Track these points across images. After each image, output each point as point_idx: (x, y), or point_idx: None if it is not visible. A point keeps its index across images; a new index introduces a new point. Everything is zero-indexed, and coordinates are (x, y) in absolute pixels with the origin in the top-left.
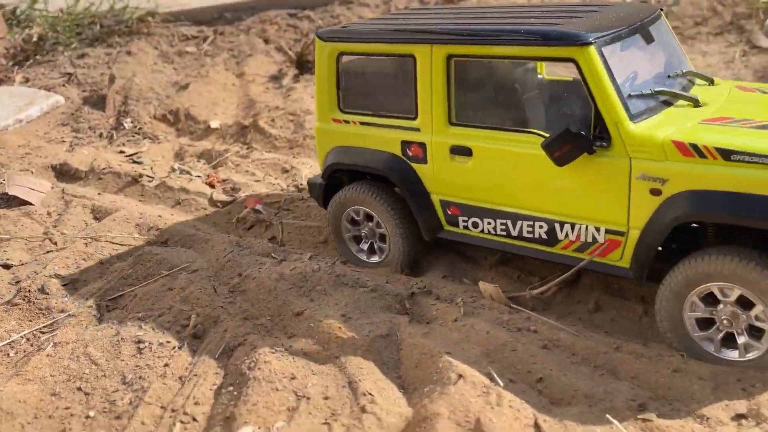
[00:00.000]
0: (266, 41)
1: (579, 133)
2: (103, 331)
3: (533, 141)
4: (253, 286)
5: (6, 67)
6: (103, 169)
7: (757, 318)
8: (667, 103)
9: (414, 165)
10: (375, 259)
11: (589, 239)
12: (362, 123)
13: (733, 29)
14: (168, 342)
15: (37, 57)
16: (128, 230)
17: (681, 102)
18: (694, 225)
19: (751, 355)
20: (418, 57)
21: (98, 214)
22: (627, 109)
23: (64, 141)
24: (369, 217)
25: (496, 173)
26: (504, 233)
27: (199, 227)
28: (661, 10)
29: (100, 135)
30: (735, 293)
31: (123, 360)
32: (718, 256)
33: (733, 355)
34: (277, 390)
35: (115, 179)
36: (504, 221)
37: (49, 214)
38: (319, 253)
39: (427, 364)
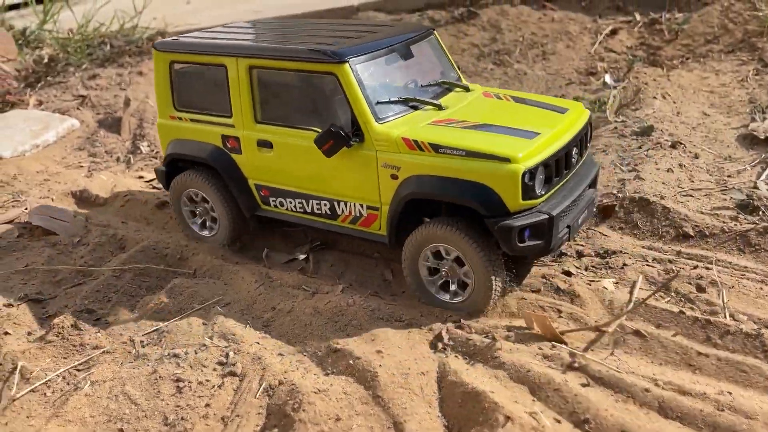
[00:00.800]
0: None
1: (339, 131)
2: (139, 369)
3: (312, 136)
4: (288, 320)
5: (18, 89)
6: (125, 195)
7: (465, 274)
8: (415, 108)
9: (233, 155)
10: (206, 233)
11: (358, 213)
12: (192, 120)
13: (745, 47)
14: (207, 380)
15: (49, 78)
16: (155, 261)
17: (428, 107)
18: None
19: (456, 300)
20: (229, 67)
21: (124, 244)
22: (374, 113)
23: (81, 166)
24: (203, 198)
25: (291, 162)
26: (302, 210)
27: (226, 257)
28: (433, 30)
29: (117, 159)
30: (453, 253)
31: (163, 399)
32: (436, 224)
33: (445, 297)
34: None
35: (138, 206)
36: (301, 201)
37: (74, 244)
38: (350, 285)
39: (472, 403)
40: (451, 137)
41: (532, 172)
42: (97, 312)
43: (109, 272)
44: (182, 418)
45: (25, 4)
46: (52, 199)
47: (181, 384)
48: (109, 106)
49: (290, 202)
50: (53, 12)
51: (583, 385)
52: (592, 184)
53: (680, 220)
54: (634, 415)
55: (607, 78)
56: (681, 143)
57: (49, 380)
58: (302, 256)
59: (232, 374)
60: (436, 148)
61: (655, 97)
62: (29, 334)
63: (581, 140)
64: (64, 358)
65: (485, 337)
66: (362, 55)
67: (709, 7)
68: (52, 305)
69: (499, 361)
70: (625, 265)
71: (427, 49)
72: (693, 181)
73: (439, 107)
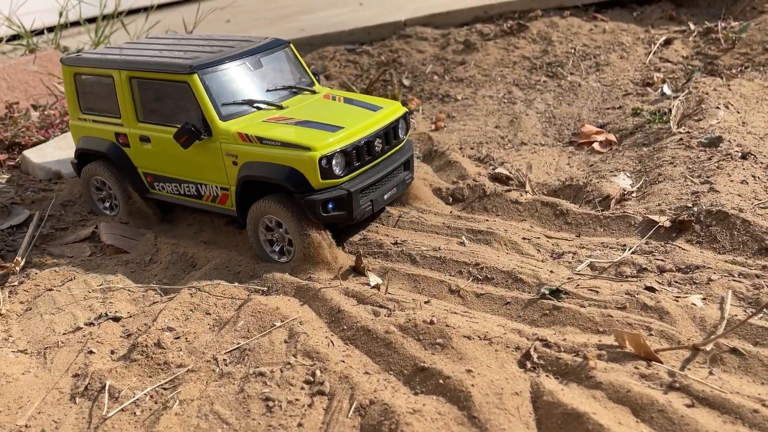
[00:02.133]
0: (327, 77)
1: (191, 128)
2: (226, 388)
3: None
4: (369, 338)
5: None
6: (192, 213)
7: (290, 241)
8: (259, 108)
9: (124, 149)
10: (108, 212)
11: (215, 194)
12: (93, 120)
13: None
14: (297, 399)
15: None
16: (229, 278)
17: (270, 107)
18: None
19: (285, 259)
20: (115, 77)
21: (195, 261)
22: (219, 113)
23: None
24: (104, 184)
25: (164, 154)
26: (177, 193)
27: (299, 275)
28: (288, 43)
29: None
30: (280, 223)
31: (254, 419)
32: (266, 201)
33: (281, 258)
34: None
35: (205, 223)
36: (175, 184)
37: (146, 262)
38: (429, 301)
39: (573, 425)
40: (273, 131)
41: (328, 158)
42: (177, 330)
43: (185, 291)
44: None
45: (78, 24)
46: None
47: (270, 403)
48: None
49: (168, 186)
50: (106, 33)
51: (688, 406)
52: (406, 168)
53: (762, 233)
54: None
55: (665, 88)
56: (751, 154)
57: (137, 399)
58: (374, 282)
59: (321, 393)
60: (261, 140)
61: (718, 107)
62: (113, 352)
63: (387, 133)
64: (150, 376)
65: (575, 355)
66: (210, 66)
67: (766, 15)
68: (132, 324)
69: (595, 380)
70: (710, 280)
71: (280, 60)
72: None
73: (279, 107)
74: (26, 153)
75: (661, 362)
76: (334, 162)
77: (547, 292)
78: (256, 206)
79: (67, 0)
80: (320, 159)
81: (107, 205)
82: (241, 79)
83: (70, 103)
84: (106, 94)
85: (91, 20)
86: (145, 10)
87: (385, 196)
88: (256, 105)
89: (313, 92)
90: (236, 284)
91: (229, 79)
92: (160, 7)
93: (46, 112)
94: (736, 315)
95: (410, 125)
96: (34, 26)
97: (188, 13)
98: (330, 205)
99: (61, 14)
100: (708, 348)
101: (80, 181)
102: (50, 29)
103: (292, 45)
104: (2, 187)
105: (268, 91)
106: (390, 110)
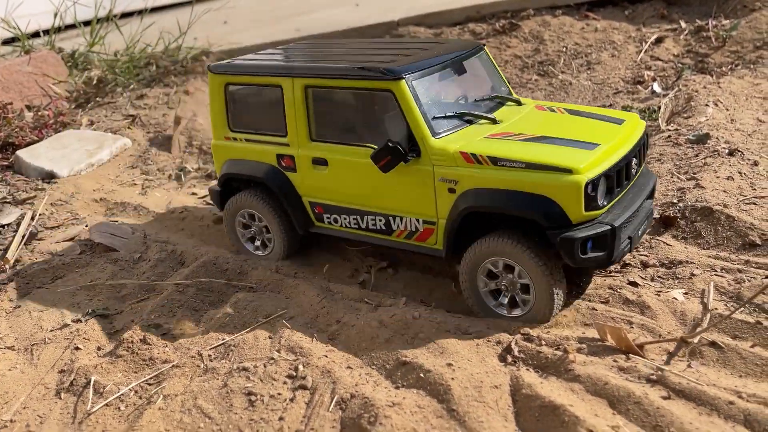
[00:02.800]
0: None
1: (396, 147)
2: (210, 383)
3: (368, 153)
4: (354, 333)
5: (70, 110)
6: (181, 212)
7: (525, 288)
8: (470, 122)
9: (287, 173)
10: (261, 252)
11: (413, 228)
12: (247, 140)
13: None
14: (279, 394)
15: (98, 99)
16: (216, 276)
17: (482, 120)
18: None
19: (516, 313)
20: (284, 87)
21: (184, 259)
22: (431, 128)
23: (135, 184)
24: (258, 218)
25: (346, 179)
26: (356, 226)
27: (285, 272)
28: (483, 46)
29: (169, 176)
30: (513, 267)
31: (236, 413)
32: (495, 238)
33: (504, 311)
34: None
35: (194, 222)
36: (355, 217)
37: (135, 260)
38: (412, 298)
39: (550, 417)
40: (510, 150)
41: (594, 183)
42: (164, 326)
43: (172, 287)
44: None
45: (74, 27)
46: (118, 220)
47: (253, 397)
48: (158, 125)
49: (344, 219)
50: (101, 34)
51: (664, 398)
52: (650, 196)
53: (746, 228)
54: (720, 429)
55: (656, 86)
56: (738, 151)
57: (122, 394)
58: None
59: (303, 387)
60: (495, 161)
61: (707, 105)
62: (99, 349)
63: (639, 151)
64: (135, 372)
65: (556, 349)
66: (417, 71)
67: (757, 13)
68: (119, 320)
69: (573, 373)
70: (693, 275)
71: (478, 65)
72: (755, 189)
73: (494, 121)
74: (19, 153)
75: (642, 356)
76: (599, 188)
77: None
78: (480, 246)
79: (63, 2)
80: (587, 184)
81: (258, 243)
82: (447, 88)
83: (216, 118)
84: (267, 108)
85: (87, 23)
86: (140, 12)
87: (640, 232)
88: (466, 119)
89: (518, 102)
90: (224, 281)
91: (436, 88)
92: (154, 9)
93: (40, 113)
94: (716, 309)
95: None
96: (30, 28)
97: (182, 16)
98: (589, 245)
99: (56, 15)
100: (695, 340)
101: (225, 215)
102: (46, 32)
103: (486, 48)
104: None
105: (475, 101)
106: (633, 123)
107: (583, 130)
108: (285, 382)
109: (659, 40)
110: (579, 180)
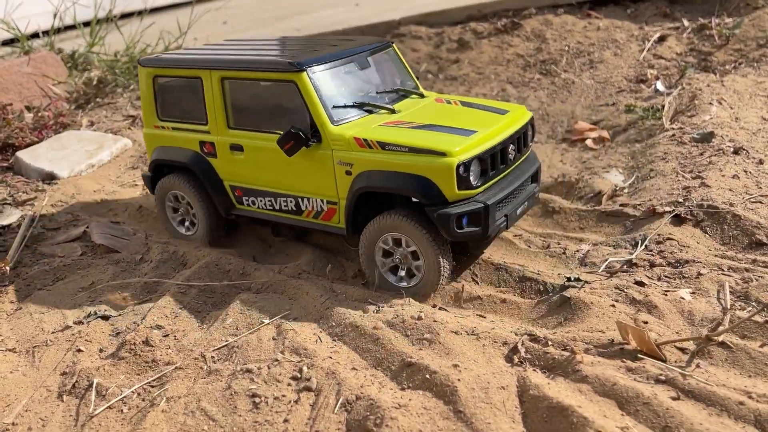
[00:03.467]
0: None
1: (298, 133)
2: (213, 385)
3: (275, 139)
4: (358, 334)
5: (70, 110)
6: None
7: (416, 261)
8: (370, 112)
9: (209, 159)
10: (189, 233)
11: (319, 208)
12: (174, 128)
13: None
14: (283, 396)
15: (98, 99)
16: (218, 277)
17: (381, 111)
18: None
19: (408, 284)
20: (203, 79)
21: (185, 260)
22: (330, 116)
23: (136, 184)
24: (182, 198)
25: (259, 163)
26: (271, 208)
27: (288, 272)
28: (391, 43)
29: None
30: (407, 242)
31: (240, 415)
32: (389, 215)
33: (399, 282)
34: None
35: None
36: (270, 198)
37: (136, 261)
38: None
39: (558, 418)
40: (396, 135)
41: (466, 165)
42: (166, 328)
43: (174, 288)
44: None
45: (74, 27)
46: (118, 220)
47: (257, 399)
48: None
49: (261, 201)
50: (101, 35)
51: (674, 399)
52: (534, 179)
53: (752, 227)
54: (730, 430)
55: (659, 85)
56: (743, 149)
57: (124, 397)
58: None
59: (308, 389)
60: (383, 145)
61: (710, 103)
62: (101, 351)
63: (518, 138)
64: (138, 374)
65: (563, 349)
66: (319, 64)
67: (760, 11)
68: (121, 322)
69: (581, 374)
70: (699, 274)
71: (385, 61)
72: (761, 188)
73: (392, 111)
74: (19, 154)
75: (663, 358)
76: (472, 169)
77: (572, 278)
78: (376, 223)
79: (62, 2)
80: (458, 165)
81: (186, 224)
82: (350, 80)
83: (146, 110)
84: (190, 99)
85: (87, 23)
86: (139, 13)
87: (518, 211)
88: (366, 108)
89: (421, 96)
90: (225, 282)
91: (339, 79)
92: (154, 10)
93: (39, 114)
94: (733, 308)
95: (535, 132)
96: (30, 29)
97: (182, 16)
98: (464, 220)
99: (55, 16)
100: (720, 339)
101: (156, 198)
102: (46, 32)
103: (395, 45)
104: None
105: (378, 93)
106: (517, 114)
107: (467, 119)
108: (289, 384)
109: (662, 39)
110: (451, 162)
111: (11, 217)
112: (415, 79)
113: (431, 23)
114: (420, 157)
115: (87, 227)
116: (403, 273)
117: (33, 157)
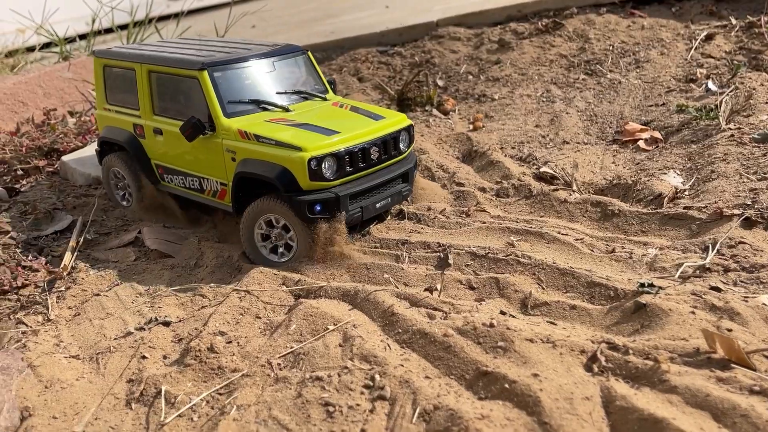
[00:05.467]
0: (360, 80)
1: (196, 122)
2: (283, 392)
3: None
4: (428, 342)
5: None
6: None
7: (290, 239)
8: (265, 109)
9: (140, 140)
10: (125, 203)
11: (215, 189)
12: (116, 111)
13: None
14: (357, 405)
15: None
16: (276, 282)
17: (276, 109)
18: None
19: (284, 259)
20: (136, 70)
21: (240, 265)
22: (224, 110)
23: None
24: (123, 176)
25: (172, 146)
26: (184, 186)
27: (349, 278)
28: (304, 51)
29: None
30: (281, 222)
31: (315, 424)
32: (267, 199)
33: (275, 258)
34: None
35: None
36: (181, 177)
37: (191, 267)
38: (483, 302)
39: (651, 431)
40: (271, 131)
41: (318, 160)
42: (229, 334)
43: (234, 295)
44: None
45: (110, 30)
46: (165, 226)
47: (330, 408)
48: None
49: (176, 179)
50: (138, 40)
51: None
52: (404, 179)
53: None
54: None
55: (710, 84)
56: None
57: (194, 405)
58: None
59: (382, 398)
60: (258, 138)
61: (767, 103)
62: (165, 357)
63: (386, 142)
64: (204, 381)
65: (646, 358)
66: (220, 65)
67: None
68: (182, 328)
69: (669, 384)
70: None
71: (295, 65)
72: None
73: (286, 110)
74: (65, 159)
75: (753, 368)
76: (324, 164)
77: (646, 284)
78: (255, 205)
79: (100, 8)
80: (309, 160)
81: (123, 195)
82: (250, 80)
83: (98, 93)
84: (128, 87)
85: (123, 27)
86: (176, 16)
87: (378, 205)
88: (262, 106)
89: (324, 99)
90: (284, 288)
91: (238, 79)
92: (191, 12)
93: (82, 119)
94: None
95: (414, 138)
96: (67, 34)
97: (219, 18)
98: (317, 207)
99: (93, 21)
100: None
101: (102, 170)
102: (82, 36)
103: (309, 53)
104: (44, 193)
105: (277, 93)
106: (392, 121)
107: (340, 122)
108: (362, 393)
109: (709, 37)
110: (303, 156)
111: (63, 222)
112: (327, 85)
113: (470, 24)
114: (283, 150)
115: (139, 232)
116: (282, 249)
117: (79, 162)
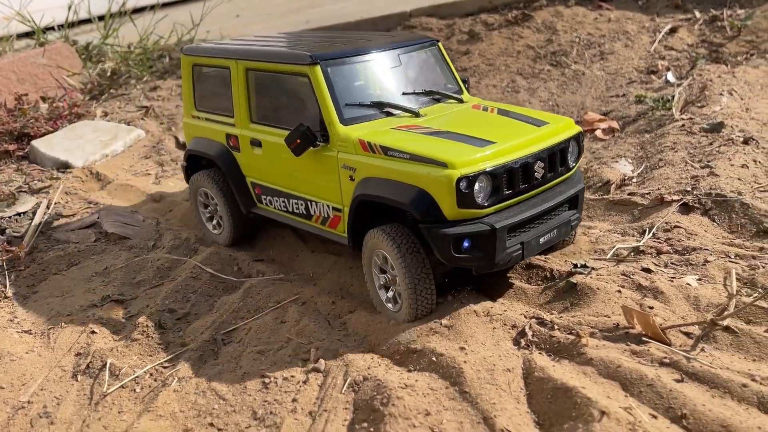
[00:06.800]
0: None
1: (306, 130)
2: (223, 366)
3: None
4: (367, 319)
5: (84, 101)
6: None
7: (398, 284)
8: (389, 113)
9: (234, 153)
10: (215, 232)
11: (326, 214)
12: (206, 119)
13: None
14: (292, 376)
15: (112, 90)
16: (230, 263)
17: (403, 113)
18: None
19: (394, 309)
20: (231, 68)
21: (196, 247)
22: (340, 115)
23: (149, 174)
24: (213, 198)
25: (273, 161)
26: (284, 209)
27: (299, 261)
28: (437, 41)
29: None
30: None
31: (250, 395)
32: (378, 230)
33: (389, 306)
34: (414, 427)
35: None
36: (283, 199)
37: (149, 248)
38: None
39: (563, 399)
40: (402, 141)
41: (470, 179)
42: (178, 312)
43: (186, 274)
44: (271, 413)
45: (88, 21)
46: (137, 211)
47: (266, 380)
48: (171, 116)
49: (276, 201)
50: (114, 27)
51: (677, 381)
52: (572, 205)
53: (760, 216)
54: (734, 411)
55: (670, 76)
56: (753, 139)
57: (137, 377)
58: None
59: (316, 370)
60: (386, 150)
61: (721, 94)
62: (115, 332)
63: (552, 155)
64: (150, 355)
65: (569, 333)
66: (336, 59)
67: None
68: (134, 305)
69: (586, 357)
70: (706, 261)
71: (424, 60)
72: None
73: (416, 114)
74: (35, 143)
75: (668, 342)
76: (477, 186)
77: (579, 264)
78: (369, 237)
79: None
80: (459, 180)
81: (214, 222)
82: (372, 78)
83: (186, 98)
84: (220, 90)
85: (101, 17)
86: (152, 7)
87: (542, 240)
88: (386, 110)
89: (460, 101)
90: (235, 268)
91: (358, 76)
92: (166, 4)
93: (54, 104)
94: (739, 294)
95: (583, 150)
96: (45, 22)
97: (195, 10)
98: (465, 243)
99: (70, 9)
100: (725, 323)
101: (189, 188)
102: (60, 26)
103: (440, 44)
104: (11, 176)
105: (404, 94)
106: (559, 126)
107: (491, 129)
108: (298, 365)
109: (673, 30)
110: (452, 174)
111: (26, 204)
112: (461, 83)
113: (442, 15)
114: (420, 167)
115: (97, 216)
116: (390, 294)
117: (48, 146)
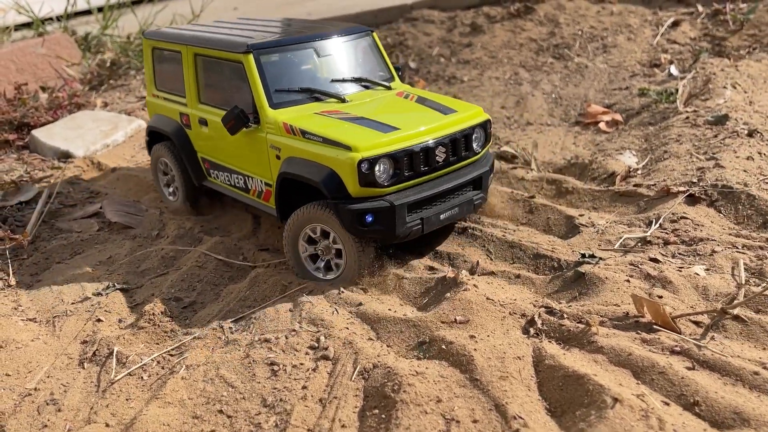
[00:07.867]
0: None
1: (240, 113)
2: (231, 354)
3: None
4: (377, 307)
5: (83, 92)
6: None
7: (338, 253)
8: (318, 99)
9: (186, 131)
10: (171, 198)
11: (260, 189)
12: (165, 99)
13: None
14: (301, 364)
15: (111, 81)
16: (234, 251)
17: (330, 99)
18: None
19: (330, 276)
20: (182, 53)
21: (201, 236)
22: (269, 99)
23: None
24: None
25: (217, 140)
26: (229, 183)
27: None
28: (371, 31)
29: None
30: (329, 233)
31: (259, 382)
32: (314, 206)
33: (320, 274)
34: (426, 413)
35: (204, 201)
36: (227, 174)
37: (153, 237)
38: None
39: (574, 386)
40: (319, 125)
41: (371, 162)
42: (184, 300)
43: (192, 262)
44: (281, 400)
45: (88, 12)
46: (139, 201)
47: (275, 367)
48: None
49: (222, 175)
50: (114, 18)
51: (689, 369)
52: (475, 186)
53: (766, 207)
54: (746, 398)
55: (672, 69)
56: (758, 132)
57: (144, 364)
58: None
59: (325, 358)
60: (303, 133)
61: (725, 87)
62: (120, 321)
63: (455, 141)
64: (157, 343)
65: (578, 322)
66: (269, 47)
67: None
68: (139, 294)
69: (596, 345)
70: (714, 252)
71: (356, 49)
72: None
73: (342, 100)
74: (35, 133)
75: (678, 331)
76: (378, 167)
77: (587, 254)
78: (301, 212)
79: None
80: (360, 162)
81: (171, 190)
82: (303, 65)
83: (148, 79)
84: (176, 72)
85: (100, 9)
86: None
87: (442, 216)
88: (315, 95)
89: (388, 88)
90: (241, 257)
91: (290, 64)
92: None
93: (54, 94)
94: (748, 284)
95: (491, 137)
96: (44, 13)
97: (195, 0)
98: (368, 218)
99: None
100: (736, 312)
101: (150, 160)
102: (59, 17)
103: (375, 34)
104: (12, 165)
105: (333, 81)
106: (466, 115)
107: (401, 116)
108: (307, 353)
109: (676, 24)
110: (354, 157)
111: (29, 193)
112: (393, 71)
113: (444, 7)
114: (330, 149)
115: (100, 207)
116: (321, 264)
117: (48, 135)
